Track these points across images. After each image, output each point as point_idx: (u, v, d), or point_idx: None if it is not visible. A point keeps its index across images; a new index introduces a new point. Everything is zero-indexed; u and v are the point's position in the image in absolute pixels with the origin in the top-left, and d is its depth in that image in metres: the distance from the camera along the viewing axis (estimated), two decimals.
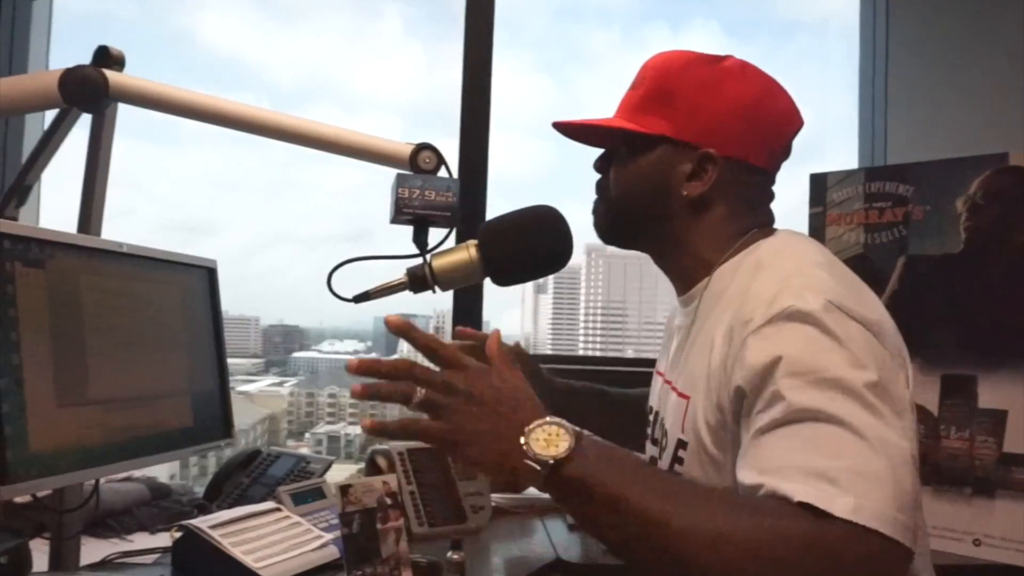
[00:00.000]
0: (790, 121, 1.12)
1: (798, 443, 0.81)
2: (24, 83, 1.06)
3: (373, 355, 0.88)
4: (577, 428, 0.84)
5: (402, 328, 0.89)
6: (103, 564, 1.57)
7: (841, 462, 0.78)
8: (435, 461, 1.99)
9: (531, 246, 1.12)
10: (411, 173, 1.11)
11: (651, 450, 1.21)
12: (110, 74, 1.04)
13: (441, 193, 1.11)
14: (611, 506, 0.80)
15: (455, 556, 1.51)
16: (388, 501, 1.69)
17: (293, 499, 1.75)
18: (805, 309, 0.88)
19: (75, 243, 1.20)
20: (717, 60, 1.10)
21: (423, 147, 1.13)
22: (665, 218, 1.11)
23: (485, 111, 2.39)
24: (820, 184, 2.25)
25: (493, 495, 2.06)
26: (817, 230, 2.23)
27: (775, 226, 1.15)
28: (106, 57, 1.44)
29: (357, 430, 9.51)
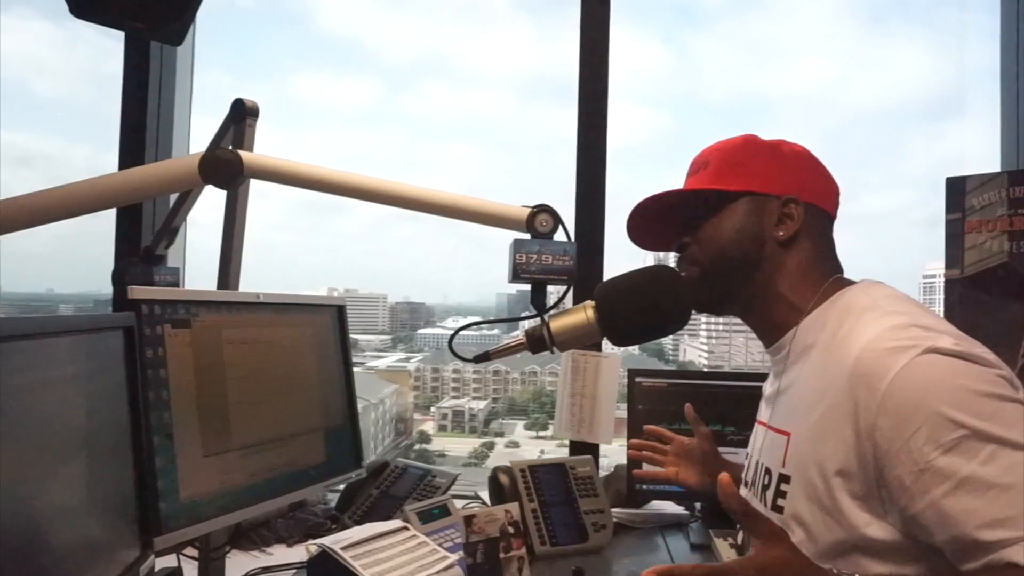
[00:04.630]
0: (832, 178, 1.24)
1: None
2: (166, 168, 1.13)
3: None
4: None
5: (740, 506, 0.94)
6: None
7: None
8: (557, 478, 2.02)
9: (649, 308, 1.11)
10: (528, 238, 1.13)
11: (743, 492, 1.24)
12: (245, 156, 1.10)
13: (558, 257, 1.12)
14: None
15: None
16: (510, 530, 1.74)
17: (420, 517, 1.82)
18: (938, 346, 0.93)
19: (217, 299, 1.28)
20: (761, 141, 1.22)
21: (540, 210, 1.13)
22: (759, 264, 1.17)
23: (601, 182, 2.41)
24: (958, 188, 2.12)
25: (614, 510, 2.08)
26: (954, 237, 2.11)
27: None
28: (242, 109, 1.53)
29: (480, 404, 9.70)
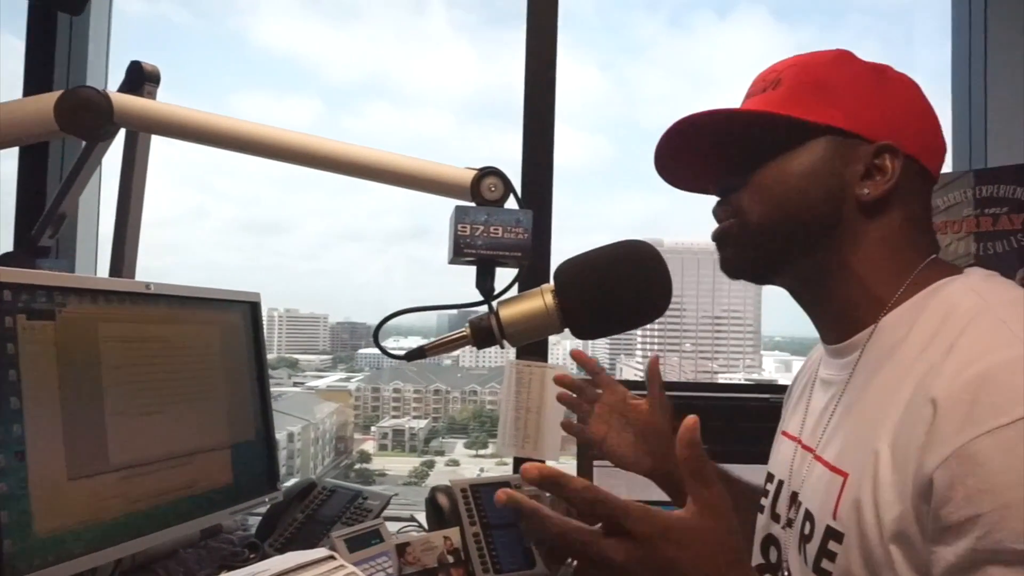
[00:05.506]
0: (941, 129, 0.90)
1: None
2: (16, 110, 0.88)
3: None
4: None
5: (549, 479, 0.65)
6: None
7: None
8: None
9: (621, 291, 0.88)
10: (472, 205, 0.90)
11: (769, 527, 0.96)
12: (116, 97, 0.85)
13: (510, 229, 0.89)
14: None
15: None
16: (450, 559, 1.50)
17: (348, 545, 1.57)
18: None
19: (91, 287, 1.02)
20: (860, 59, 0.88)
21: (487, 172, 0.91)
22: (834, 230, 0.85)
23: (550, 116, 2.18)
24: None
25: None
26: None
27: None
28: (140, 73, 1.27)
29: (420, 423, 9.42)
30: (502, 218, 0.89)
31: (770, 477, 1.01)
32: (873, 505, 0.72)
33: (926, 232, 0.87)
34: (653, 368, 1.19)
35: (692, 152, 0.93)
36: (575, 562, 0.65)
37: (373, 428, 9.51)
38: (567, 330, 0.93)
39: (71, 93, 0.84)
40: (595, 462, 1.91)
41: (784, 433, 1.01)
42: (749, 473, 1.83)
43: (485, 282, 0.91)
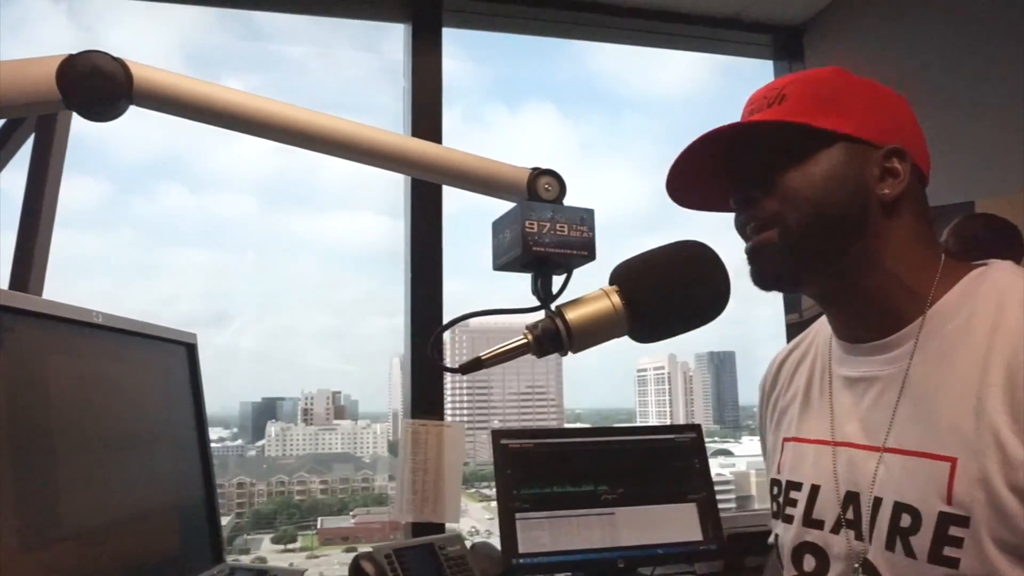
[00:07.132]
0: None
1: None
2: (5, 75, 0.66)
3: None
4: None
5: None
6: None
7: None
8: (426, 561, 1.62)
9: (688, 290, 0.82)
10: (535, 203, 0.82)
11: (805, 534, 0.92)
12: (136, 67, 0.66)
13: (575, 227, 0.81)
14: None
15: None
16: None
17: None
18: None
19: (41, 310, 0.80)
20: (854, 75, 0.92)
21: (542, 172, 0.83)
22: (864, 229, 0.86)
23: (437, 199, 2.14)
24: None
25: None
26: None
27: None
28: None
29: (224, 520, 8.62)
30: (567, 215, 0.81)
31: (794, 485, 0.96)
32: (1004, 478, 0.73)
33: (935, 234, 0.90)
34: None
35: (703, 172, 0.92)
36: None
37: None
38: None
39: (80, 58, 0.65)
40: (517, 515, 1.79)
41: (799, 440, 0.98)
42: (674, 512, 1.80)
43: (546, 284, 0.82)
